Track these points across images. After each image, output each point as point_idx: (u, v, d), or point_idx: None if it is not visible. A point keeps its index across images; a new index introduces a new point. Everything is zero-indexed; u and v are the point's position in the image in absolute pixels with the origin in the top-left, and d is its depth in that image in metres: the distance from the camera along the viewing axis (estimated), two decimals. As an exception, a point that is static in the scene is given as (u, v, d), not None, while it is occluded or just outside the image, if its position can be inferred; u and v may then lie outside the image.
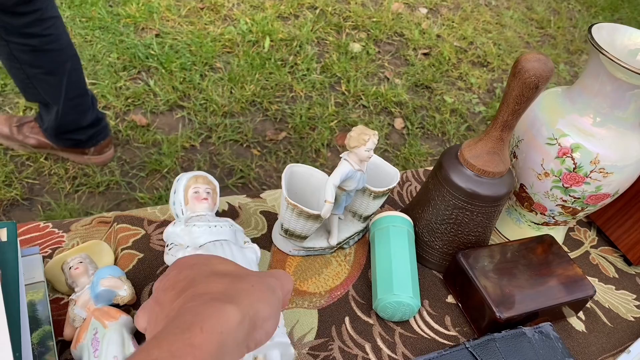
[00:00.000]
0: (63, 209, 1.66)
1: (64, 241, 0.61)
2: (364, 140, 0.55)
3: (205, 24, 2.45)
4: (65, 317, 0.53)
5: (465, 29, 2.83)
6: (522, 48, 2.82)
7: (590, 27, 0.59)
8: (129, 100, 2.04)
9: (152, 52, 2.24)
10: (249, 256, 0.54)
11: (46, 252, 0.60)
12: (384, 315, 0.59)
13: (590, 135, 0.59)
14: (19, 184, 1.71)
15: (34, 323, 0.51)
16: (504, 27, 2.96)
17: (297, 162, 1.92)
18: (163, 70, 2.17)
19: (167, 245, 0.53)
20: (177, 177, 0.56)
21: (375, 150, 2.03)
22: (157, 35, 2.35)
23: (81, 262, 0.54)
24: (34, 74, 1.46)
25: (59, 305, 0.56)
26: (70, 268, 0.54)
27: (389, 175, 0.64)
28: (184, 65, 2.21)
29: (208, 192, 0.57)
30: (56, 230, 0.62)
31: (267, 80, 2.24)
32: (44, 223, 0.63)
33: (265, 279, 0.36)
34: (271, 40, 2.43)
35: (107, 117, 1.82)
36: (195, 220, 0.54)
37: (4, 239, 0.51)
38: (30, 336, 0.49)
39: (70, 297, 0.53)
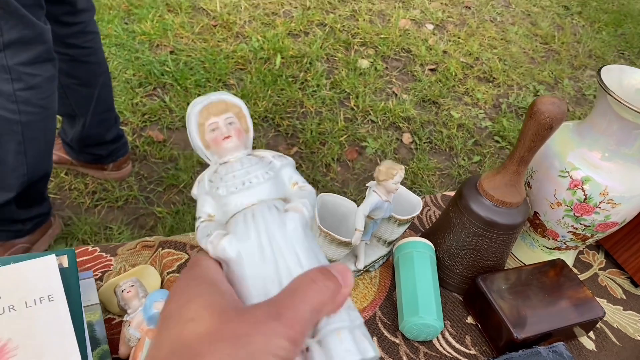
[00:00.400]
0: (83, 223, 1.72)
1: (112, 264, 0.66)
2: (392, 174, 0.60)
3: (218, 41, 2.51)
4: (118, 337, 0.58)
5: (471, 45, 2.89)
6: (527, 63, 2.88)
7: (599, 70, 0.64)
8: (146, 117, 2.10)
9: (167, 69, 2.30)
10: (290, 233, 0.35)
11: (97, 275, 0.65)
12: (409, 336, 0.64)
13: (599, 169, 0.64)
14: (40, 199, 1.76)
15: (93, 342, 0.56)
16: (509, 42, 3.02)
17: (308, 176, 1.98)
18: (178, 87, 2.23)
19: (197, 219, 0.39)
20: (187, 110, 0.39)
21: (385, 166, 2.08)
22: (171, 52, 2.41)
23: (132, 286, 0.59)
24: (69, 83, 1.52)
25: (111, 325, 0.61)
26: (122, 291, 0.59)
27: (412, 203, 0.69)
28: (198, 81, 2.27)
29: (230, 123, 0.39)
30: (104, 255, 0.67)
31: (278, 97, 2.29)
32: (92, 247, 0.68)
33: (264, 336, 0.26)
34: (282, 57, 2.49)
35: (126, 134, 1.87)
36: (222, 175, 0.38)
37: (66, 265, 0.56)
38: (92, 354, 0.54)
39: (124, 319, 0.58)
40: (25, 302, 0.50)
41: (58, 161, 1.80)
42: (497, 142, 2.33)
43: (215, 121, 0.38)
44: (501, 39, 3.04)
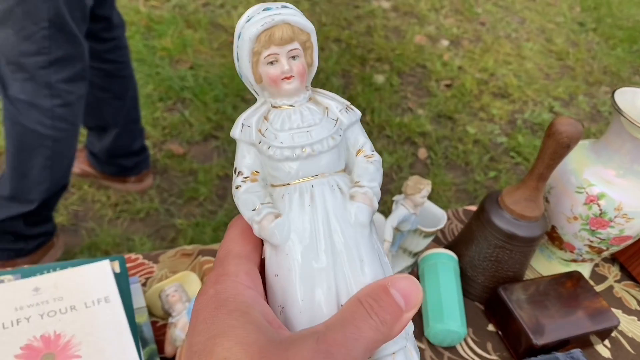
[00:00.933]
0: (106, 235, 1.77)
1: (154, 271, 0.71)
2: (419, 188, 0.65)
3: (237, 57, 2.58)
4: (163, 338, 0.63)
5: (486, 61, 2.93)
6: (542, 79, 2.91)
7: (613, 92, 0.68)
8: (166, 130, 2.15)
9: (187, 84, 2.36)
10: (355, 228, 0.29)
11: (141, 280, 0.69)
12: (434, 341, 0.68)
13: (613, 185, 0.68)
14: (65, 210, 1.81)
15: (143, 342, 0.60)
16: (523, 58, 3.06)
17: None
18: (197, 101, 2.29)
19: (237, 173, 0.31)
20: (239, 27, 0.30)
21: (400, 179, 2.13)
22: (191, 68, 2.47)
23: (176, 291, 0.64)
24: (103, 97, 1.58)
25: (156, 327, 0.65)
26: (167, 296, 0.64)
27: (436, 216, 0.73)
28: (217, 97, 2.33)
29: (294, 57, 0.30)
30: (146, 262, 0.72)
31: (295, 112, 2.34)
32: (135, 255, 0.73)
33: None
34: (299, 73, 2.54)
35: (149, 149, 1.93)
36: (275, 127, 0.30)
37: (117, 270, 0.61)
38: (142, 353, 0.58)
39: (170, 321, 0.62)
40: (85, 303, 0.54)
41: (81, 174, 1.86)
42: (513, 157, 2.36)
43: (276, 52, 0.29)
44: (516, 55, 3.08)
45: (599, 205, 0.69)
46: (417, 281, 0.28)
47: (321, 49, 2.77)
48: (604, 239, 0.71)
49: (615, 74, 3.14)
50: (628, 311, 0.80)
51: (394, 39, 2.98)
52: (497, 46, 3.12)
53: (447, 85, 2.72)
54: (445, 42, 3.05)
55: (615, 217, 0.68)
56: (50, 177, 1.34)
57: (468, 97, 2.65)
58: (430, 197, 2.09)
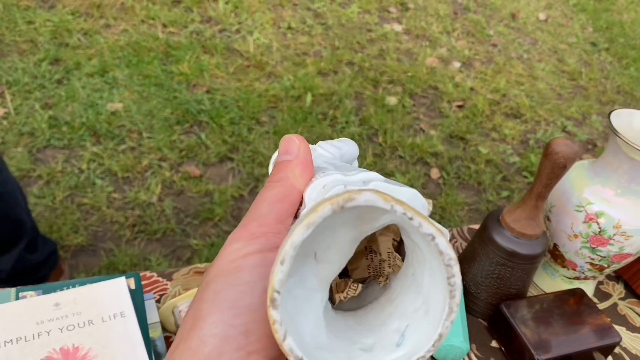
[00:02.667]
0: (124, 255, 1.81)
1: (168, 288, 0.74)
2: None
3: (252, 81, 2.63)
4: (176, 353, 0.65)
5: (498, 82, 2.95)
6: (555, 100, 2.93)
7: (609, 114, 0.70)
8: (183, 153, 2.20)
9: (203, 108, 2.42)
10: None
11: (155, 297, 0.72)
12: (437, 357, 0.70)
13: (612, 204, 0.70)
14: (85, 231, 1.86)
15: (156, 356, 0.63)
16: (536, 79, 3.08)
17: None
18: (214, 124, 2.34)
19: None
20: None
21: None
22: (207, 92, 2.53)
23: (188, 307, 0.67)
24: None
25: (169, 342, 0.68)
26: (180, 311, 0.66)
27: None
28: (232, 119, 2.38)
29: None
30: (161, 279, 0.75)
31: (309, 133, 2.39)
32: (150, 273, 0.76)
33: None
34: (312, 95, 2.59)
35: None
36: None
37: (133, 287, 0.64)
38: (155, 367, 0.61)
39: (182, 336, 0.65)
40: (102, 318, 0.57)
41: None
42: (525, 177, 2.37)
43: None
44: (528, 76, 3.10)
45: (598, 224, 0.70)
46: (290, 136, 0.31)
47: (334, 72, 2.82)
48: (604, 257, 0.73)
49: (628, 93, 3.14)
50: (632, 328, 0.81)
51: (406, 61, 3.02)
52: (509, 67, 3.14)
53: (459, 106, 2.74)
54: (457, 64, 3.08)
55: (614, 234, 0.70)
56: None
57: (480, 117, 2.67)
58: (442, 217, 2.11)
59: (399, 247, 0.32)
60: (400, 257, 0.32)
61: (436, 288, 0.25)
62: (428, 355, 0.25)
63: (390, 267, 0.32)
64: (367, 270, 0.32)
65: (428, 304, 0.26)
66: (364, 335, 0.28)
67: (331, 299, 0.31)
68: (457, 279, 0.24)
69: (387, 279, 0.31)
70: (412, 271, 0.28)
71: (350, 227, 0.27)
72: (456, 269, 0.24)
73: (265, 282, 0.26)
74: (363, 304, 0.31)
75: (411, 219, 0.23)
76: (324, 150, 0.36)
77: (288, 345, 0.23)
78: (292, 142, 0.31)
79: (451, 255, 0.24)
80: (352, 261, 0.32)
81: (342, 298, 0.31)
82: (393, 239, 0.32)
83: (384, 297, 0.30)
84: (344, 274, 0.32)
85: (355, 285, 0.32)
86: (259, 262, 0.27)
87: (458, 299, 0.24)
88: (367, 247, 0.32)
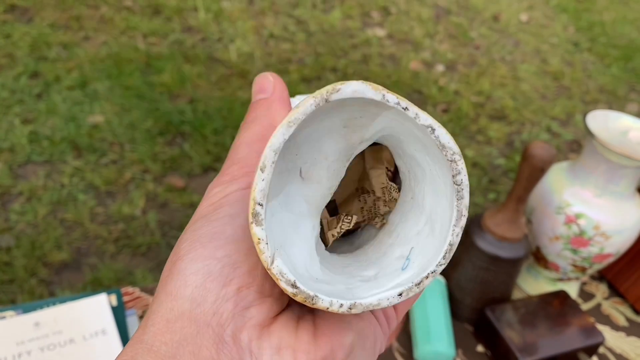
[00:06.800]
0: (108, 270, 1.79)
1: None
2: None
3: (235, 90, 2.63)
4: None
5: (482, 84, 2.97)
6: (539, 100, 2.95)
7: (585, 115, 0.71)
8: (166, 164, 2.19)
9: (186, 118, 2.41)
10: None
11: (138, 313, 0.71)
12: (423, 363, 0.70)
13: (591, 205, 0.70)
14: (68, 247, 1.84)
15: (139, 374, 0.62)
16: (519, 80, 3.11)
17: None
18: (197, 135, 2.33)
19: None
20: None
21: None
22: (190, 102, 2.52)
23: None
24: None
25: (153, 358, 0.67)
26: (163, 327, 0.66)
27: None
28: (216, 129, 2.37)
29: None
30: (143, 295, 0.74)
31: (293, 141, 2.38)
32: (132, 288, 0.75)
33: None
34: (296, 103, 2.59)
35: None
36: None
37: (115, 303, 0.63)
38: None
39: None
40: (83, 336, 0.57)
41: None
42: (512, 179, 2.38)
43: None
44: (512, 77, 3.12)
45: (578, 225, 0.71)
46: (264, 74, 0.29)
47: (318, 78, 2.83)
48: (585, 257, 0.73)
49: (611, 92, 3.18)
50: (616, 327, 0.81)
51: (390, 66, 3.03)
52: (492, 69, 3.17)
53: (444, 110, 2.76)
54: (440, 67, 3.10)
55: (594, 235, 0.70)
56: None
57: (465, 120, 2.69)
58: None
59: (394, 178, 0.29)
60: (396, 187, 0.28)
61: (440, 198, 0.23)
62: (440, 270, 0.22)
63: (385, 204, 0.28)
64: (361, 213, 0.29)
65: (432, 222, 0.23)
66: (364, 269, 0.25)
67: (324, 242, 0.28)
68: (464, 177, 0.21)
69: (383, 218, 0.28)
70: (410, 195, 0.25)
71: (337, 136, 0.24)
72: (461, 164, 0.22)
73: (248, 211, 0.23)
74: (359, 247, 0.28)
75: (406, 109, 0.21)
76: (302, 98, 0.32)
77: (277, 267, 0.20)
78: (266, 79, 0.29)
79: (454, 149, 0.21)
80: (343, 205, 0.30)
81: (336, 234, 0.28)
82: (387, 168, 0.29)
83: (381, 233, 0.27)
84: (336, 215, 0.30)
85: (349, 217, 0.28)
86: (240, 198, 0.24)
87: (467, 200, 0.22)
88: (359, 188, 0.29)
